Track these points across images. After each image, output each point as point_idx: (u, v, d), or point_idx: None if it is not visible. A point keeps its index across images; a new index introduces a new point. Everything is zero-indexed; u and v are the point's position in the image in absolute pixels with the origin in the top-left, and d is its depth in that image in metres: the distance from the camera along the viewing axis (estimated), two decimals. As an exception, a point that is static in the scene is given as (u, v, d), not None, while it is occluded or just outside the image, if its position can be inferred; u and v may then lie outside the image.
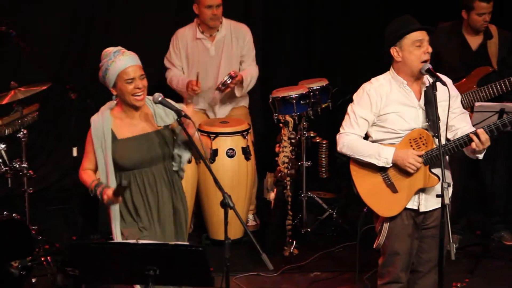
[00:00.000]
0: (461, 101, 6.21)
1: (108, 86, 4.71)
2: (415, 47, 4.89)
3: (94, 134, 4.72)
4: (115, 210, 4.73)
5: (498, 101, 6.18)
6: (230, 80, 6.69)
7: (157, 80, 6.82)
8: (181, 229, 4.88)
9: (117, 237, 4.74)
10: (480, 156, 4.99)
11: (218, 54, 6.85)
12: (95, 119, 4.76)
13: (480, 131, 4.84)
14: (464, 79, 6.46)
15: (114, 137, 4.73)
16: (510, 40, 6.58)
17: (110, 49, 4.71)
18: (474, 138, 4.83)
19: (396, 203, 5.02)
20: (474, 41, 6.56)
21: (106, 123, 4.73)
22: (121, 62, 4.65)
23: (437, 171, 4.94)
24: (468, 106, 6.33)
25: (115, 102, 4.78)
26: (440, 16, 6.78)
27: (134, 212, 4.78)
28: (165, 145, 4.77)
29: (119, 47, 4.72)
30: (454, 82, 6.18)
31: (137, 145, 4.70)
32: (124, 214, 4.77)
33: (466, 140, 4.87)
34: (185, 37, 6.91)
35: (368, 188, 5.06)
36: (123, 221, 4.77)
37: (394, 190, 5.02)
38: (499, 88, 6.35)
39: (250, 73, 6.92)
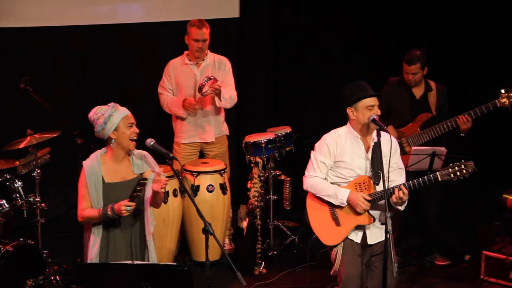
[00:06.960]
0: (408, 142, 6.48)
1: (107, 133, 4.65)
2: (368, 110, 4.96)
3: (88, 175, 4.67)
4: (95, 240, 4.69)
5: (433, 144, 6.28)
6: (206, 81, 6.49)
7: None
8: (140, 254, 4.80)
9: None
10: (401, 208, 5.01)
11: (203, 78, 6.62)
12: (87, 163, 4.72)
13: (402, 187, 4.89)
14: (410, 123, 6.55)
15: (103, 179, 4.70)
16: (445, 92, 6.67)
17: (104, 106, 4.72)
18: (395, 193, 4.88)
19: (337, 235, 5.07)
20: (417, 92, 6.63)
21: (98, 167, 4.69)
22: (123, 109, 4.71)
23: (374, 212, 5.02)
24: (415, 146, 6.40)
25: (104, 149, 4.75)
26: (390, 72, 6.89)
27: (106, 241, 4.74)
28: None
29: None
30: (402, 126, 6.55)
31: (119, 189, 4.63)
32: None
33: (392, 191, 4.93)
34: (176, 64, 6.82)
35: (317, 219, 5.12)
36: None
37: (337, 223, 5.07)
38: (438, 130, 6.42)
39: (229, 92, 6.73)
